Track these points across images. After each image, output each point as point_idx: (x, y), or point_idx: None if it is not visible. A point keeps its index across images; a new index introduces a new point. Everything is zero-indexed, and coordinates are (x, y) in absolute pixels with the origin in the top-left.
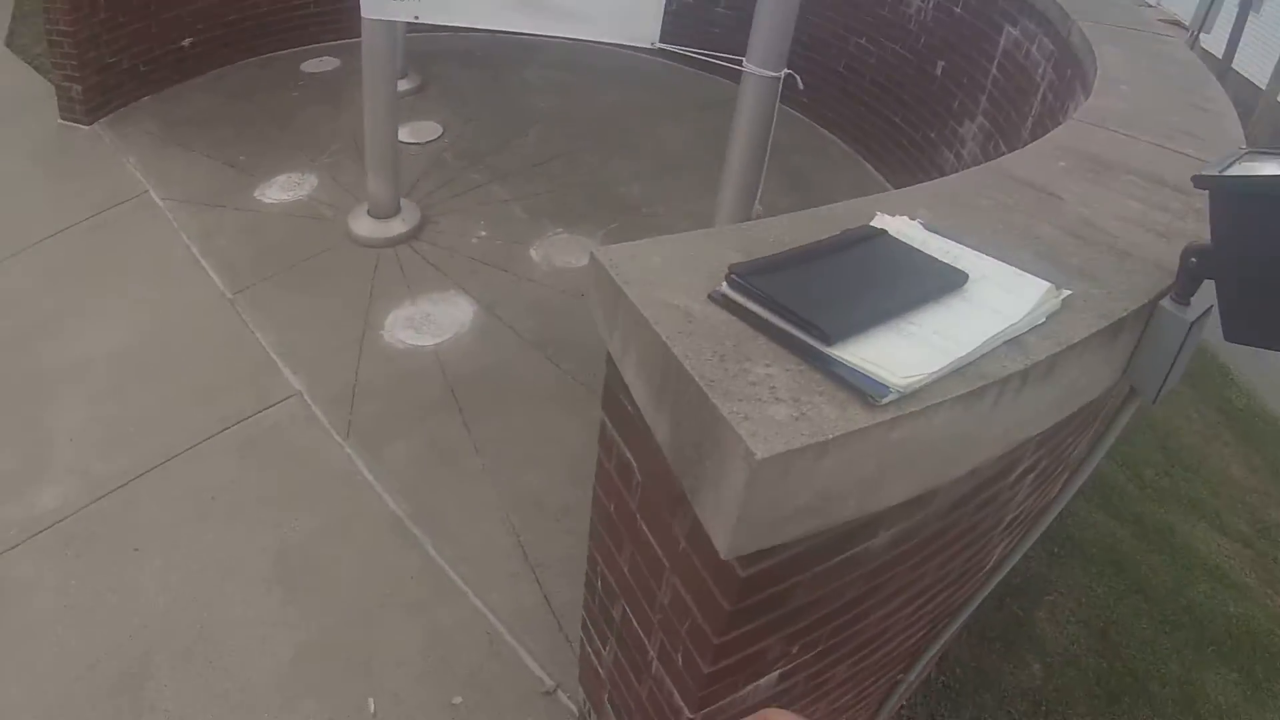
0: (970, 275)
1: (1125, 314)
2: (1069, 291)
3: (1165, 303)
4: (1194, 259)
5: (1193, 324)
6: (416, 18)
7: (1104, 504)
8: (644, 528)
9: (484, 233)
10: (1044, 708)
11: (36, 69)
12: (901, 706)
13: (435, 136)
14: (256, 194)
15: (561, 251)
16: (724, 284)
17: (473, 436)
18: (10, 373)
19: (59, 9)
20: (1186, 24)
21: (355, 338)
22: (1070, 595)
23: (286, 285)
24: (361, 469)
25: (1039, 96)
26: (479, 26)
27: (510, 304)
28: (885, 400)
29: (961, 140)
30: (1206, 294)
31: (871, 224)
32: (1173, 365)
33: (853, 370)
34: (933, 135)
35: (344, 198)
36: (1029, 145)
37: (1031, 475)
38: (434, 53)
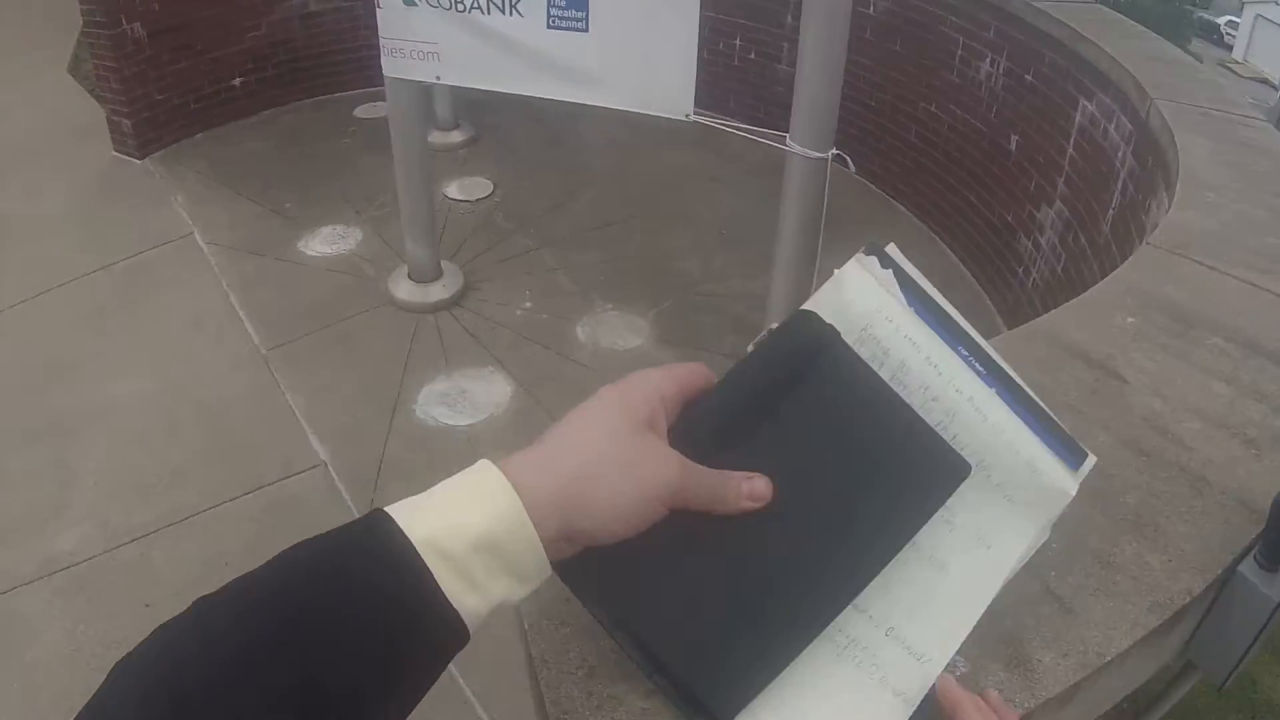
0: (976, 460)
1: (1189, 600)
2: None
3: (1246, 568)
4: None
5: None
6: (438, 78)
7: None
8: None
9: (529, 304)
10: None
11: (97, 99)
12: None
13: (485, 194)
14: (300, 245)
15: (609, 332)
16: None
17: None
18: (41, 408)
19: (103, 46)
20: (1276, 82)
21: (387, 409)
22: None
23: (322, 346)
24: None
25: (1119, 185)
26: (500, 90)
27: (551, 387)
28: None
29: (1040, 227)
30: None
31: (810, 310)
32: (1251, 645)
33: None
34: (1009, 218)
35: (387, 255)
36: (1094, 289)
37: None
38: (488, 102)
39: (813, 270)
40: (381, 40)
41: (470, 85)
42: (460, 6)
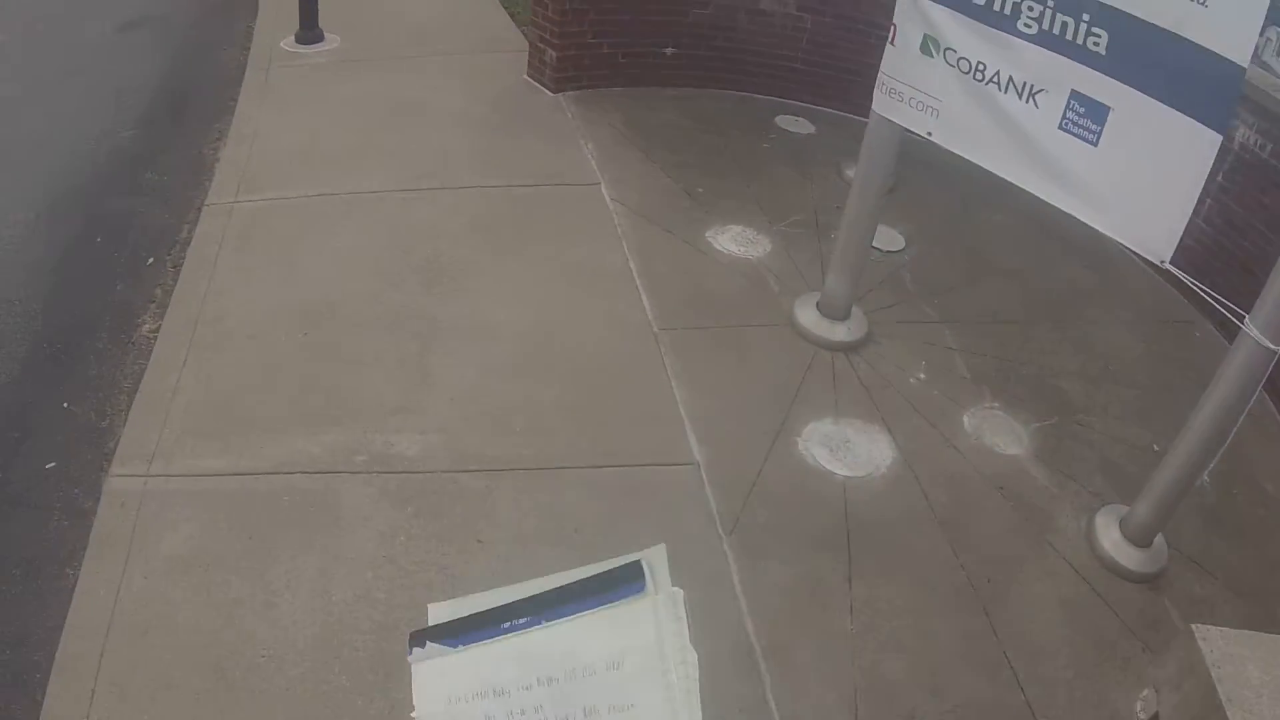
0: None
1: None
2: None
3: None
4: None
5: None
6: (929, 135)
7: None
8: None
9: (923, 375)
10: None
11: (512, 16)
12: None
13: (897, 249)
14: (709, 235)
15: (993, 430)
16: None
17: (851, 593)
18: (415, 302)
19: None
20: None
21: (769, 432)
22: None
23: (715, 344)
24: (732, 573)
25: None
26: (984, 167)
27: (930, 465)
28: None
29: None
30: None
31: None
32: None
33: None
34: None
35: (793, 276)
36: None
37: None
38: (908, 154)
39: (1216, 453)
40: (882, 75)
41: (958, 152)
42: (979, 76)
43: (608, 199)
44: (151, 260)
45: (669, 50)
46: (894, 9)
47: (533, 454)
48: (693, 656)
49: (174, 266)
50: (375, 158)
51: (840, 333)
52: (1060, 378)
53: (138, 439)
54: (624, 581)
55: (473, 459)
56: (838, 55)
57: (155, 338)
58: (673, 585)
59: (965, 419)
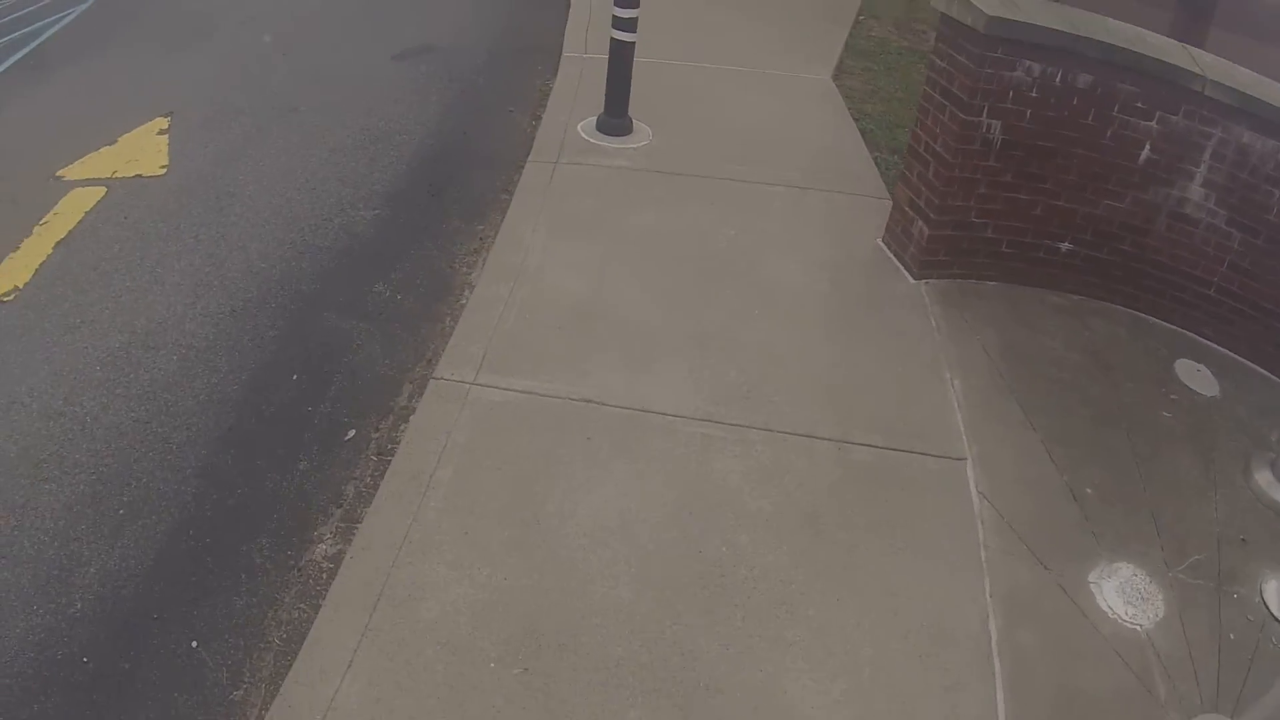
0: None
1: None
2: None
3: None
4: None
5: None
6: None
7: None
8: None
9: None
10: None
11: (863, 132)
12: None
13: None
14: (1092, 579)
15: None
16: None
17: None
18: (690, 651)
19: (942, 126)
20: None
21: None
22: None
23: None
24: None
25: None
26: None
27: None
28: None
29: None
30: None
31: None
32: None
33: None
34: None
35: (1185, 674)
36: None
37: None
38: None
39: None
40: None
41: None
42: None
43: (974, 493)
44: (353, 434)
45: (1065, 246)
46: None
47: None
48: None
49: (378, 454)
50: (672, 343)
51: None
52: None
53: None
54: None
55: None
56: (1262, 291)
57: (327, 587)
58: None
59: None
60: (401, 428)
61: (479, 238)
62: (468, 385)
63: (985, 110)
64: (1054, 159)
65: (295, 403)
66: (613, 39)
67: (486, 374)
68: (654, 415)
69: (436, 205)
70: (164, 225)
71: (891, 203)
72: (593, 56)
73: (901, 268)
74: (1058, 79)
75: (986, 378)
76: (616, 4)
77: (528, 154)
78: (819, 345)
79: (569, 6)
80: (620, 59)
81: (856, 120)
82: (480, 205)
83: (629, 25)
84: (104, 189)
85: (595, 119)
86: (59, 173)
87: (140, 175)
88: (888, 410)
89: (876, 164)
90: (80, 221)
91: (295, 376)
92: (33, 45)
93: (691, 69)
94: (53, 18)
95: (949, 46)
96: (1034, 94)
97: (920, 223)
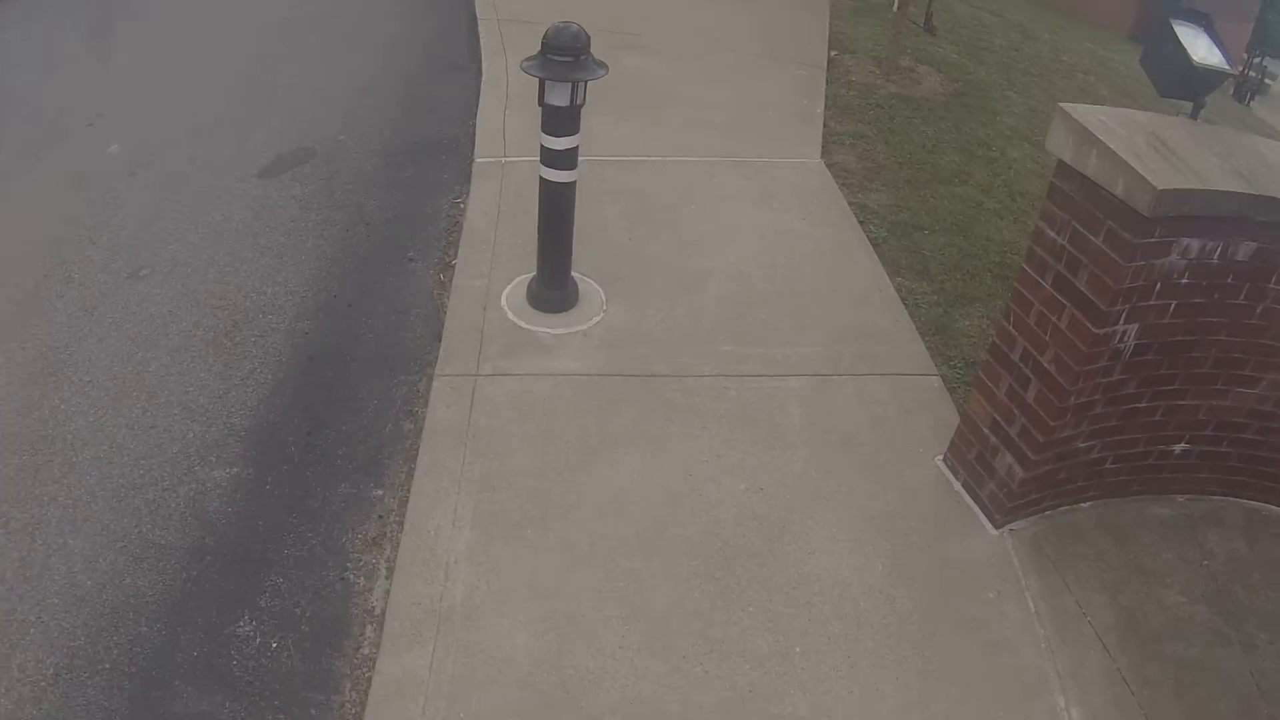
0: None
1: None
2: None
3: None
4: None
5: None
6: None
7: None
8: None
9: None
10: None
11: (874, 243)
12: None
13: None
14: None
15: None
16: None
17: None
18: None
19: (1059, 339)
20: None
21: None
22: None
23: None
24: None
25: None
26: None
27: None
28: None
29: None
30: None
31: None
32: None
33: None
34: None
35: None
36: None
37: None
38: None
39: None
40: None
41: None
42: None
43: None
44: None
45: (1178, 447)
46: None
47: None
48: None
49: None
50: None
51: None
52: None
53: None
54: None
55: None
56: None
57: None
58: None
59: None
60: None
61: (377, 515)
62: None
63: (1124, 315)
64: (1189, 352)
65: None
66: (543, 180)
67: None
68: None
69: (315, 453)
70: None
71: (949, 398)
72: (514, 161)
73: (976, 507)
74: (1216, 255)
75: (1107, 692)
76: (546, 130)
77: (436, 349)
78: (889, 694)
79: (480, 74)
80: (557, 207)
81: (862, 223)
82: (375, 449)
83: (567, 160)
84: None
85: (526, 283)
86: None
87: None
88: (968, 683)
89: (901, 298)
90: None
91: None
92: None
93: (644, 166)
94: None
95: (1083, 225)
96: (1184, 280)
97: (1009, 457)
